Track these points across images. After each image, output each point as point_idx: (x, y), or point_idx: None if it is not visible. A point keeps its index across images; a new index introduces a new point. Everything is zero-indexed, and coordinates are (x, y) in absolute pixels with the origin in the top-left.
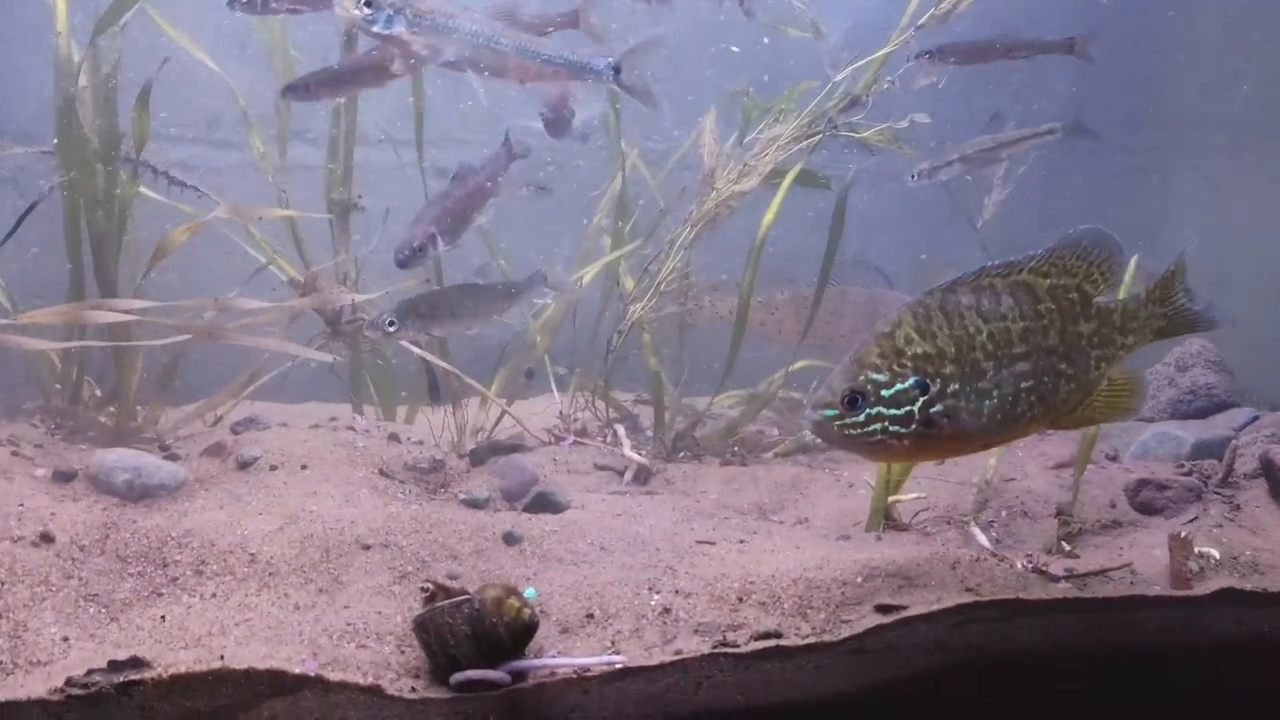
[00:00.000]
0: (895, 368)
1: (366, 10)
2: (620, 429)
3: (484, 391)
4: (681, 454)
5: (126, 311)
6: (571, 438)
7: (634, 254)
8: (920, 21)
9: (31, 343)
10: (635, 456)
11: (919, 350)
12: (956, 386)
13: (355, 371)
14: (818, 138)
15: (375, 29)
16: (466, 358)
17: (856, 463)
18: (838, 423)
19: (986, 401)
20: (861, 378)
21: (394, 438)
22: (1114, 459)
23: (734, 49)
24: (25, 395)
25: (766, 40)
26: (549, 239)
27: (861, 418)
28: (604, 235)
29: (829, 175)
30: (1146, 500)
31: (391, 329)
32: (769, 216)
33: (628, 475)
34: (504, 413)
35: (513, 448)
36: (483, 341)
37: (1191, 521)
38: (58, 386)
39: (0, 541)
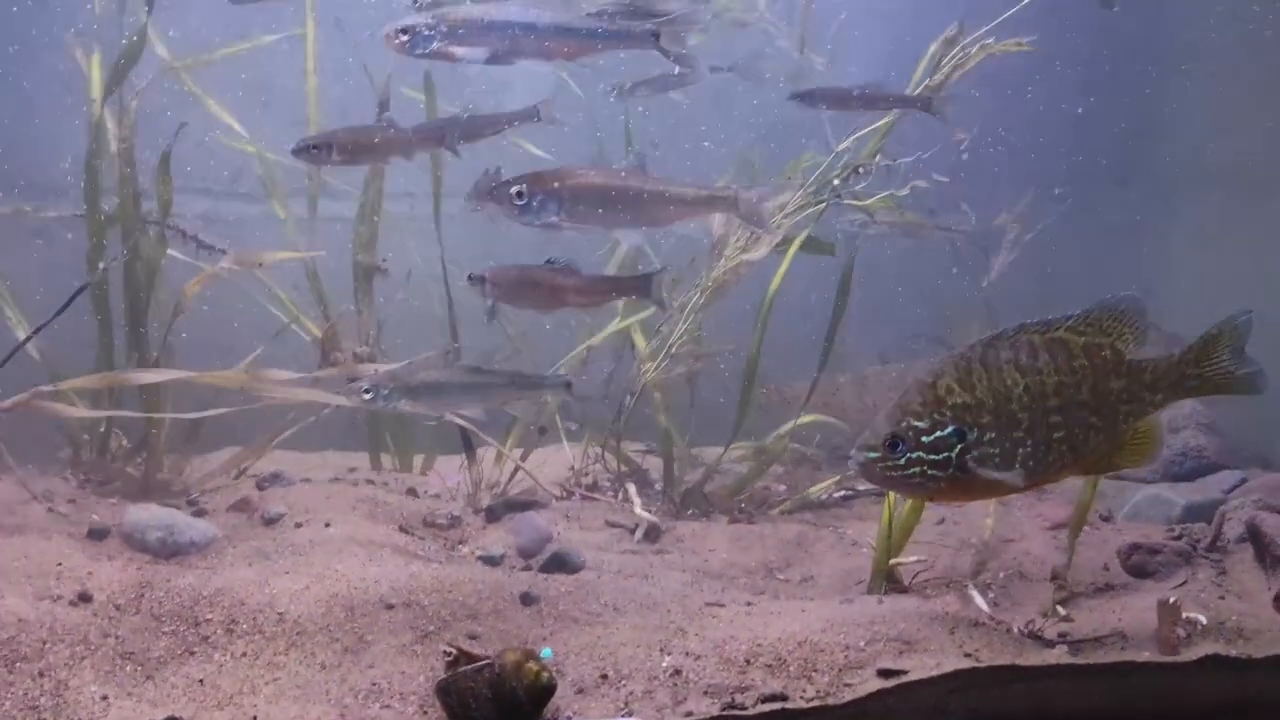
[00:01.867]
0: (936, 415)
1: (405, 39)
2: (632, 488)
3: (500, 448)
4: (690, 510)
5: (159, 375)
6: (582, 492)
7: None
8: (918, 90)
9: (70, 411)
10: (646, 515)
11: (959, 400)
12: (993, 435)
13: (374, 422)
14: (823, 205)
15: (418, 53)
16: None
17: (859, 520)
18: (880, 464)
19: (1020, 450)
20: (904, 423)
21: (412, 492)
22: (1107, 519)
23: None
24: (55, 444)
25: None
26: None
27: (902, 460)
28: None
29: (835, 235)
30: (1139, 564)
31: (367, 397)
32: (775, 283)
33: (638, 533)
34: (518, 468)
35: (527, 504)
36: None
37: (1180, 585)
38: (86, 437)
39: (41, 601)
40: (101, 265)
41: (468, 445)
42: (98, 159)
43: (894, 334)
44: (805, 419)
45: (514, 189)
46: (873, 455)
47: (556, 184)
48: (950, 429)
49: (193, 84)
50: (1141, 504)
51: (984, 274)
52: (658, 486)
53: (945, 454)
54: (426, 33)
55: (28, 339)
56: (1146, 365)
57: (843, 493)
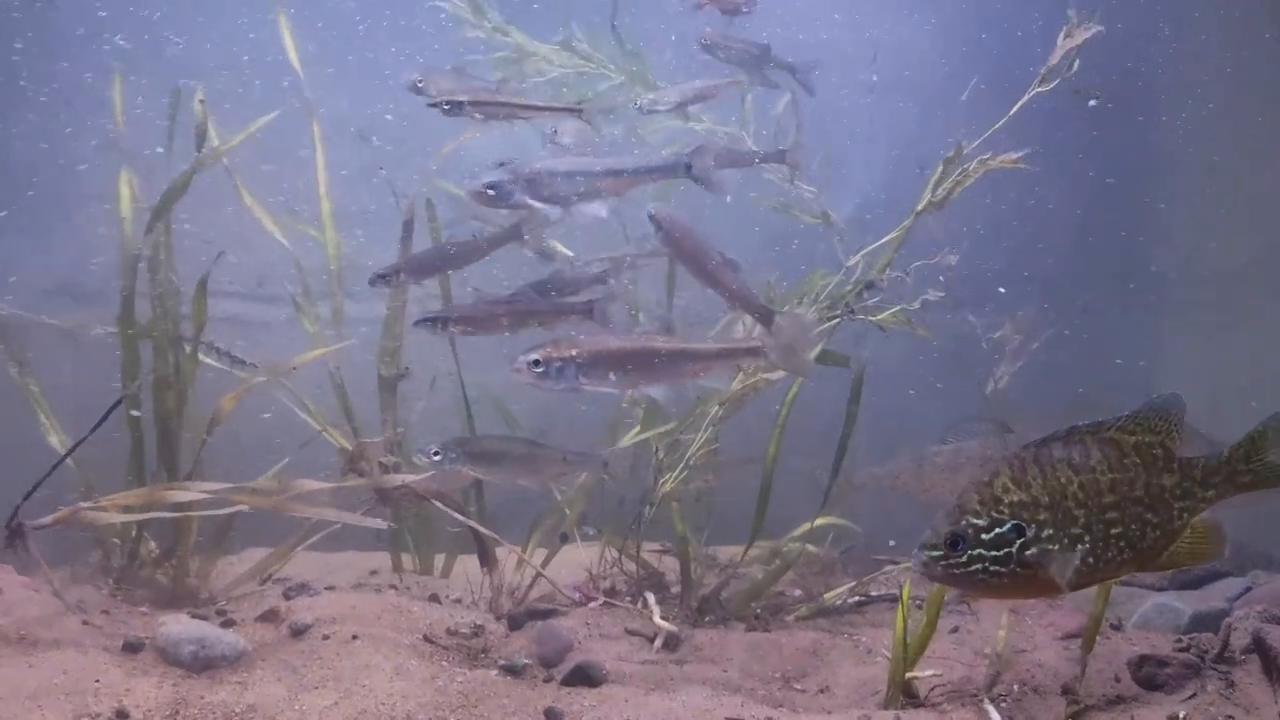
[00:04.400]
0: (994, 514)
1: (491, 193)
2: (650, 596)
3: (521, 555)
4: (708, 618)
5: (199, 493)
6: (601, 598)
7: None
8: (919, 207)
9: (108, 517)
10: (665, 625)
11: (1015, 498)
12: (1050, 532)
13: (396, 527)
14: (836, 321)
15: (502, 206)
16: (501, 507)
17: (874, 628)
18: (943, 563)
19: (1079, 546)
20: (963, 522)
21: (434, 598)
22: (1117, 628)
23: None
24: (79, 540)
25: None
26: (584, 404)
27: (964, 558)
28: (637, 406)
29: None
30: (1148, 676)
31: (436, 458)
32: (793, 392)
33: (658, 642)
34: (538, 574)
35: (548, 612)
36: (516, 491)
37: (1189, 699)
38: (117, 541)
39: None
40: (135, 383)
41: (483, 552)
42: (129, 279)
43: (902, 432)
44: (820, 520)
45: (531, 358)
46: (935, 554)
47: (573, 352)
48: (1009, 525)
49: (250, 199)
50: (1150, 613)
51: (988, 380)
52: (674, 590)
53: (1005, 550)
54: (509, 187)
55: (66, 455)
56: (1197, 462)
57: (857, 598)
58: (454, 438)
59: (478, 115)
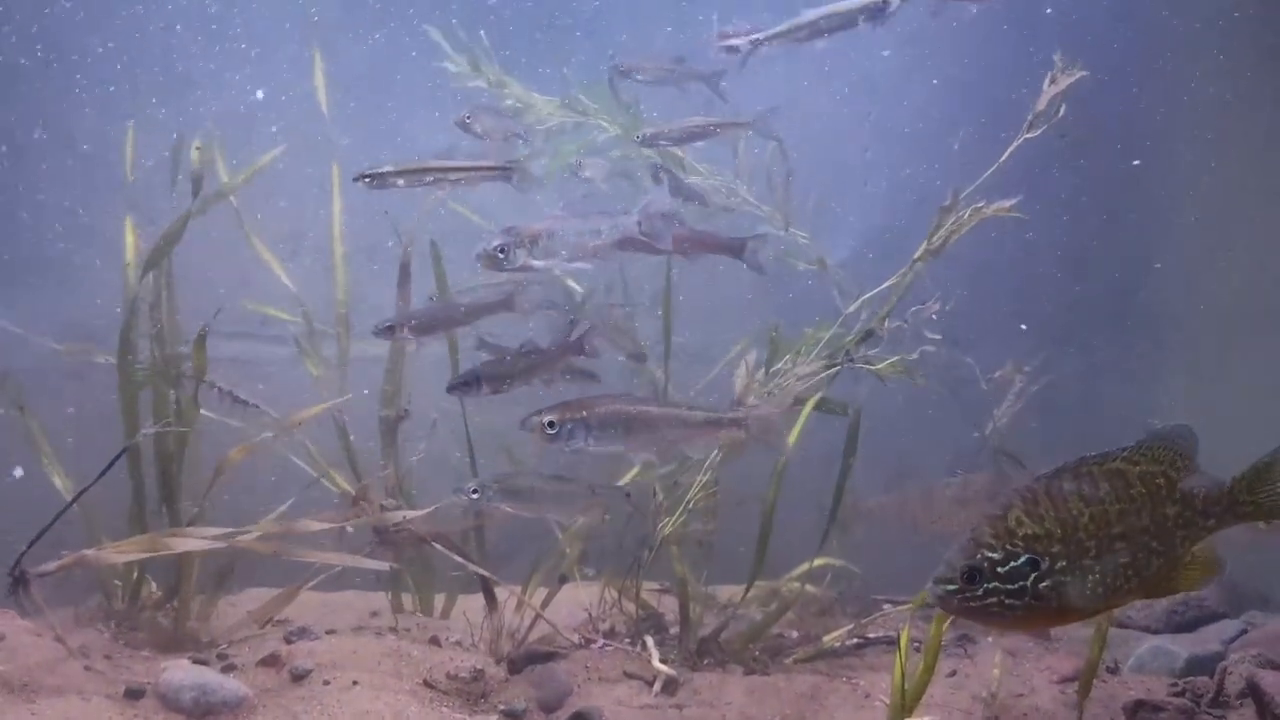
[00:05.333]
0: (1009, 547)
1: (501, 256)
2: (650, 640)
3: (521, 597)
4: (706, 660)
5: (201, 540)
6: (602, 641)
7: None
8: (916, 255)
9: (110, 558)
10: (664, 669)
11: (1029, 531)
12: (1064, 564)
13: (396, 570)
14: (836, 369)
15: (508, 268)
16: (500, 547)
17: (872, 671)
18: (959, 596)
19: (1090, 576)
20: (979, 556)
21: (435, 641)
22: (1113, 671)
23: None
24: (79, 581)
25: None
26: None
27: (980, 591)
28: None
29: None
30: None
31: (474, 496)
32: (791, 438)
33: (656, 686)
34: (538, 616)
35: (548, 655)
36: (515, 530)
37: None
38: (118, 583)
39: None
40: (140, 434)
41: (488, 594)
42: (132, 331)
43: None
44: (818, 561)
45: (545, 419)
46: (951, 589)
47: (584, 413)
48: (1023, 559)
49: (260, 245)
50: (1145, 656)
51: (987, 421)
52: (673, 631)
53: (1020, 583)
54: (516, 250)
55: (69, 505)
56: (1199, 492)
57: (856, 640)
58: (491, 475)
59: (400, 182)
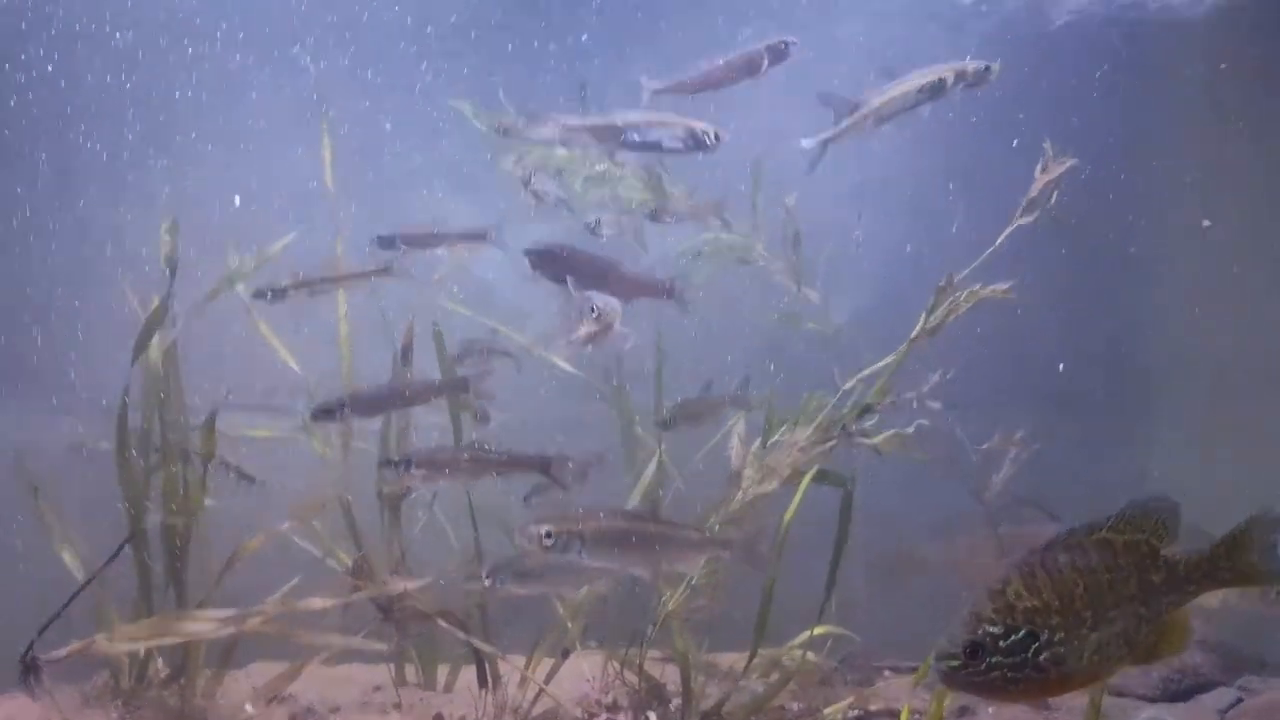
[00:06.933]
0: (1009, 621)
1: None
2: (653, 717)
3: (521, 670)
4: None
5: (208, 621)
6: (605, 716)
7: None
8: (914, 334)
9: (119, 647)
10: None
11: (1029, 604)
12: (1062, 635)
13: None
14: (832, 442)
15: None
16: (501, 614)
17: None
18: (963, 671)
19: (1087, 646)
20: (980, 631)
21: (439, 718)
22: None
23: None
24: (92, 666)
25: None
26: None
27: (983, 666)
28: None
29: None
30: None
31: (488, 582)
32: (789, 514)
33: None
34: (541, 690)
35: None
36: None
37: None
38: (126, 661)
39: None
40: (142, 526)
41: (482, 670)
42: (124, 407)
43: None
44: (819, 629)
45: (543, 530)
46: (954, 665)
47: (580, 526)
48: (1024, 632)
49: (267, 330)
50: None
51: (984, 485)
52: (675, 704)
53: (1022, 656)
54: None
55: (75, 594)
56: (1180, 559)
57: (857, 712)
58: (499, 561)
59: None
